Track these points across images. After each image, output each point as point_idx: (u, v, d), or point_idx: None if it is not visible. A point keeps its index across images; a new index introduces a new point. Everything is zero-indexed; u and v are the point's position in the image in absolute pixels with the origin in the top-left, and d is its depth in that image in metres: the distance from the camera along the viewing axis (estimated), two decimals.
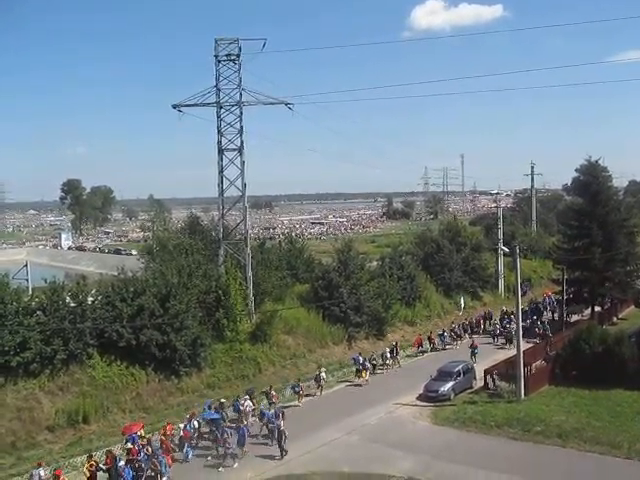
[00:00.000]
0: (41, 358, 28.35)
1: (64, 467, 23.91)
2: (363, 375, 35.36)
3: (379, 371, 37.61)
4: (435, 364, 35.30)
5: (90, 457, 23.05)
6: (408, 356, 41.80)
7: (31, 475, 22.59)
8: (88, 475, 22.27)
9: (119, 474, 22.17)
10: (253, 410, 28.91)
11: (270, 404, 29.65)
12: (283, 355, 37.86)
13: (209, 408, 28.07)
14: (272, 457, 25.06)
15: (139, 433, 25.39)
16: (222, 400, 29.20)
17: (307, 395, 33.04)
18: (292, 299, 43.48)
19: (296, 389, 32.28)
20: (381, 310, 43.96)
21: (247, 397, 29.29)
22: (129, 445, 24.34)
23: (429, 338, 43.25)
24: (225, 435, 24.94)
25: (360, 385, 35.07)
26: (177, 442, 25.78)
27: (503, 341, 43.29)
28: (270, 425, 26.57)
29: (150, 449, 23.67)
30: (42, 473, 22.64)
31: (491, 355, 38.89)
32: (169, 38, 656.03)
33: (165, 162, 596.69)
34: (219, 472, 24.12)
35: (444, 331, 44.58)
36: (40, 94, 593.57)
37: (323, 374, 34.09)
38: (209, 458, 25.36)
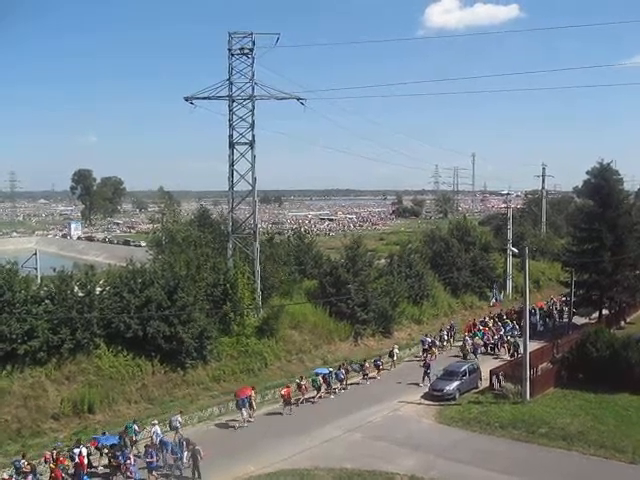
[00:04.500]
0: (48, 347, 28.52)
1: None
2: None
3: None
4: None
5: None
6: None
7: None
8: None
9: None
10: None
11: (175, 431, 25.72)
12: (289, 350, 37.85)
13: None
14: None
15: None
16: None
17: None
18: (300, 294, 43.46)
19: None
20: (388, 308, 43.83)
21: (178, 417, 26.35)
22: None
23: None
24: (128, 462, 22.33)
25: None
26: (72, 471, 22.41)
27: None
28: (174, 456, 23.18)
29: (31, 478, 21.41)
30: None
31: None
32: (184, 30, 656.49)
33: (176, 154, 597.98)
34: None
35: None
36: (53, 83, 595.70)
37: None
38: None
